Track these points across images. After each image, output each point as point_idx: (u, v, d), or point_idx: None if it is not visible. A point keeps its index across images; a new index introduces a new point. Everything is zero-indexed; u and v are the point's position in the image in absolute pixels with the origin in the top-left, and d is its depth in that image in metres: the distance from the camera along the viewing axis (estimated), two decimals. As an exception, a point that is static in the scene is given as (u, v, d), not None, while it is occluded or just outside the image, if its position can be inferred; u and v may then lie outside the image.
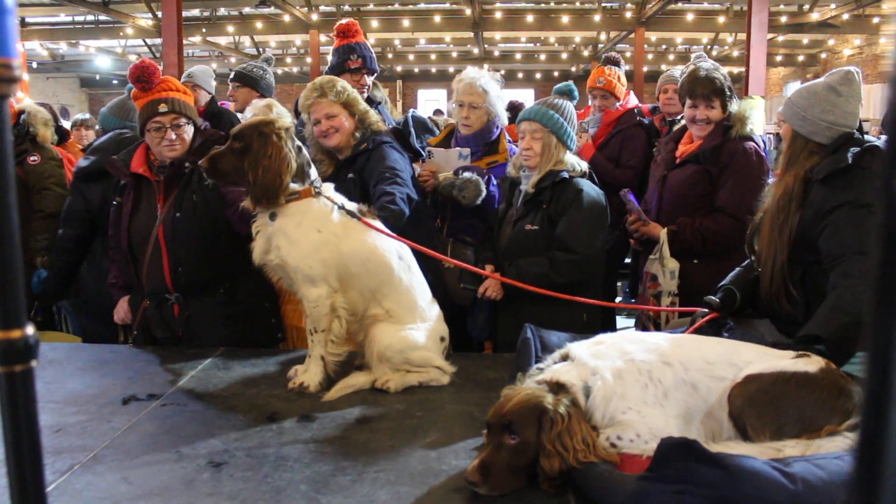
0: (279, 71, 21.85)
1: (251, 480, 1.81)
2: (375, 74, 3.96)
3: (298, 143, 2.60)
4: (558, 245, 2.99)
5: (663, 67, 20.70)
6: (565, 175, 3.03)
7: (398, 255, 2.62)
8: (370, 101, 3.92)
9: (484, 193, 3.34)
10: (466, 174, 3.36)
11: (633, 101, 4.81)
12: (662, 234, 3.24)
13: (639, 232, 3.39)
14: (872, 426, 0.38)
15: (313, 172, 2.60)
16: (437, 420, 2.24)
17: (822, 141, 2.42)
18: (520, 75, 24.06)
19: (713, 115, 3.28)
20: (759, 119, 3.35)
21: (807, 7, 15.44)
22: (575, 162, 3.10)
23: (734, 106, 3.31)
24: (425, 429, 2.16)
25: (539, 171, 3.07)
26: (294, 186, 2.52)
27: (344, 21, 3.90)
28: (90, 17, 17.00)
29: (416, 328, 2.57)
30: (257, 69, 4.81)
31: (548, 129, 3.02)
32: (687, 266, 3.21)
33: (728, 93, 3.29)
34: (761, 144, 3.32)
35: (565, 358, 1.95)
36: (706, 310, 2.53)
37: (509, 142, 3.74)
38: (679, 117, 4.19)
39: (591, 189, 3.06)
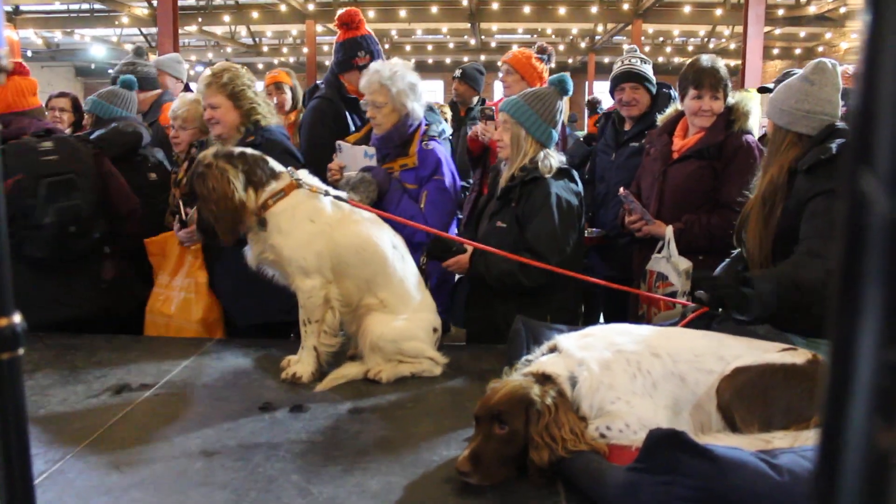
0: (275, 61, 21.75)
1: (243, 470, 1.83)
2: None
3: (240, 148, 2.58)
4: (529, 251, 2.85)
5: (660, 60, 20.71)
6: (536, 174, 2.88)
7: (392, 245, 2.62)
8: None
9: (376, 197, 3.15)
10: (361, 174, 3.19)
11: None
12: (668, 232, 3.12)
13: (641, 231, 3.29)
14: (834, 421, 0.38)
15: (275, 164, 2.57)
16: (428, 411, 2.25)
17: (801, 130, 2.43)
18: (517, 67, 23.97)
19: (717, 106, 3.23)
20: (756, 112, 3.34)
21: (804, 0, 15.43)
22: (551, 160, 2.93)
23: (732, 98, 3.29)
24: (416, 419, 2.17)
25: (510, 165, 2.97)
26: (273, 185, 2.51)
27: (344, 11, 3.69)
28: (85, 6, 16.94)
29: (409, 319, 2.58)
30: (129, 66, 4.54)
31: (517, 122, 2.91)
32: (692, 262, 3.15)
33: (729, 85, 3.29)
34: (756, 137, 3.32)
35: (553, 350, 1.96)
36: (696, 305, 2.53)
37: (432, 138, 3.36)
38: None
39: (561, 190, 2.89)
